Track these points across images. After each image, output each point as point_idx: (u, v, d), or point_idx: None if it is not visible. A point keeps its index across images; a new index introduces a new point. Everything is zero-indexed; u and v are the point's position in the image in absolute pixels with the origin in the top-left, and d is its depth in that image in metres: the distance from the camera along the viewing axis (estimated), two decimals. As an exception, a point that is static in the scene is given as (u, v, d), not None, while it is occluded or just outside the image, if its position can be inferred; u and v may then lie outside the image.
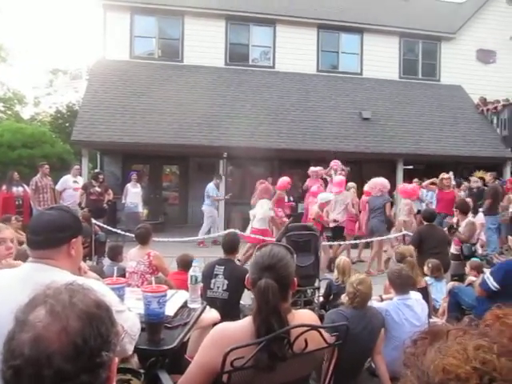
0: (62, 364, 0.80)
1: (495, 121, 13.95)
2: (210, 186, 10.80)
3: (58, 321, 0.83)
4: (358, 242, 8.56)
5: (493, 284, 3.18)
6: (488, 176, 10.47)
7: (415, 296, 3.54)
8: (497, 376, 0.70)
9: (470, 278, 4.95)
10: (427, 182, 9.94)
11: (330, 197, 8.02)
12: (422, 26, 14.89)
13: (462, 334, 0.78)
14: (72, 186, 9.69)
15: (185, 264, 4.78)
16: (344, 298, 3.42)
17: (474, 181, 10.48)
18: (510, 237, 8.95)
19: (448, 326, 0.84)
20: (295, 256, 1.87)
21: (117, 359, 0.94)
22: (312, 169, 9.86)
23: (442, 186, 8.98)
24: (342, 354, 1.98)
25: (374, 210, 8.24)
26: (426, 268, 5.00)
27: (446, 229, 6.31)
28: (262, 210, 7.95)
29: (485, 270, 4.84)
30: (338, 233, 8.31)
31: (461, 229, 6.04)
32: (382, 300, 3.81)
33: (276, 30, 14.12)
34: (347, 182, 9.17)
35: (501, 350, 0.73)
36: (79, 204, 9.05)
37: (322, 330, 1.81)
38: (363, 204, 8.86)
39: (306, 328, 1.71)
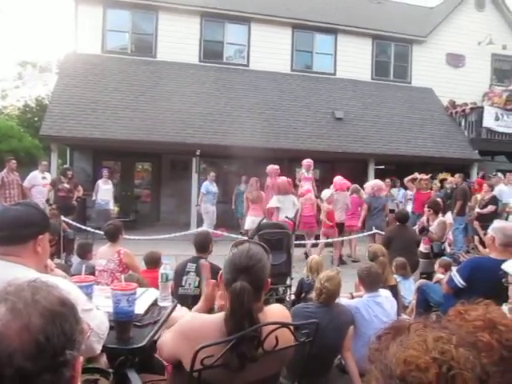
0: (23, 363, 0.77)
1: (463, 123, 14.33)
2: (205, 183, 10.79)
3: (19, 318, 0.80)
4: (351, 237, 9.18)
5: (459, 281, 3.26)
6: (457, 177, 10.76)
7: (384, 293, 3.59)
8: (454, 365, 0.73)
9: (438, 276, 5.07)
10: (408, 178, 10.22)
11: (330, 192, 8.83)
12: (394, 28, 15.16)
13: (422, 327, 0.81)
14: (41, 183, 9.46)
15: (152, 261, 4.75)
16: (313, 294, 3.44)
17: (448, 182, 10.77)
18: (476, 236, 9.24)
19: (410, 320, 0.87)
20: (270, 256, 1.84)
21: (82, 358, 0.91)
22: (271, 166, 9.68)
23: (420, 186, 9.56)
24: (310, 350, 1.99)
25: (377, 210, 8.94)
26: (392, 266, 5.09)
27: (416, 228, 6.46)
28: (295, 207, 8.25)
29: (452, 267, 4.97)
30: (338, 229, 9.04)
31: (432, 228, 6.18)
32: (352, 297, 3.85)
33: (251, 28, 14.11)
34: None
35: (459, 341, 0.77)
36: (47, 200, 8.83)
37: (291, 327, 1.81)
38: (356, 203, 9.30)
39: (276, 325, 1.71)
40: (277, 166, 9.68)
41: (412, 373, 0.73)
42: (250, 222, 8.73)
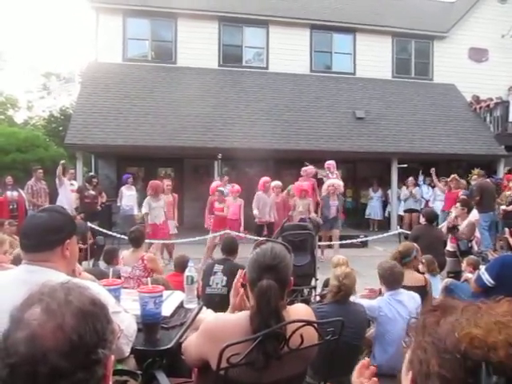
0: (58, 361, 0.80)
1: (488, 119, 14.03)
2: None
3: (54, 318, 0.83)
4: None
5: (488, 279, 3.19)
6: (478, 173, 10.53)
7: (406, 291, 3.53)
8: None
9: (467, 275, 4.96)
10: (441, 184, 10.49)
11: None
12: (414, 25, 14.96)
13: (477, 310, 0.86)
14: (69, 189, 9.71)
15: (181, 265, 4.79)
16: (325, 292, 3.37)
17: (473, 179, 10.56)
18: (506, 229, 8.95)
19: (459, 302, 0.91)
20: (292, 255, 1.86)
21: (113, 357, 0.94)
22: (304, 169, 10.08)
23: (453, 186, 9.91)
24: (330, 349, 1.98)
25: None
26: (420, 266, 4.98)
27: (445, 226, 6.35)
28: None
29: (480, 266, 4.85)
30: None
31: (461, 228, 6.07)
32: (380, 292, 3.78)
33: (269, 30, 14.14)
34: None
35: None
36: (76, 209, 9.03)
37: (316, 325, 1.81)
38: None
39: (301, 323, 1.71)
40: (309, 167, 10.07)
41: (478, 350, 0.77)
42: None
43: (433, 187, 11.89)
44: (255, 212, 9.09)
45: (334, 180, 9.63)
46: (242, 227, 9.10)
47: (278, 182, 9.60)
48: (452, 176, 10.15)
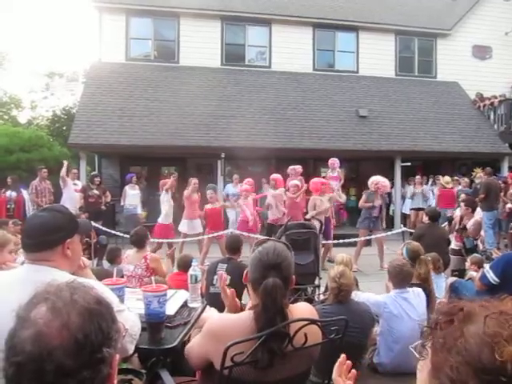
0: (64, 360, 0.80)
1: (492, 116, 13.97)
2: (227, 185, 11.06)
3: (59, 317, 0.84)
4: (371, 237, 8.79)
5: (492, 277, 3.19)
6: (484, 172, 10.50)
7: (413, 289, 3.53)
8: None
9: (471, 273, 4.95)
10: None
11: None
12: (417, 23, 14.92)
13: (502, 318, 0.77)
14: (72, 189, 9.74)
15: (185, 265, 4.81)
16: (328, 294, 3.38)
17: (478, 177, 10.54)
18: None
19: (474, 306, 0.82)
20: (293, 253, 1.86)
21: (118, 356, 0.94)
22: (291, 167, 9.71)
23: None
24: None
25: None
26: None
27: (445, 224, 6.36)
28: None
29: (484, 264, 4.85)
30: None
31: (467, 226, 6.08)
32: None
33: (272, 29, 14.13)
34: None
35: None
36: (80, 208, 9.06)
37: (320, 324, 1.81)
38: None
39: (305, 322, 1.71)
40: (297, 166, 9.67)
41: (509, 364, 0.70)
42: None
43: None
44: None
45: (378, 177, 8.62)
46: (259, 225, 8.68)
47: (295, 181, 8.99)
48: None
